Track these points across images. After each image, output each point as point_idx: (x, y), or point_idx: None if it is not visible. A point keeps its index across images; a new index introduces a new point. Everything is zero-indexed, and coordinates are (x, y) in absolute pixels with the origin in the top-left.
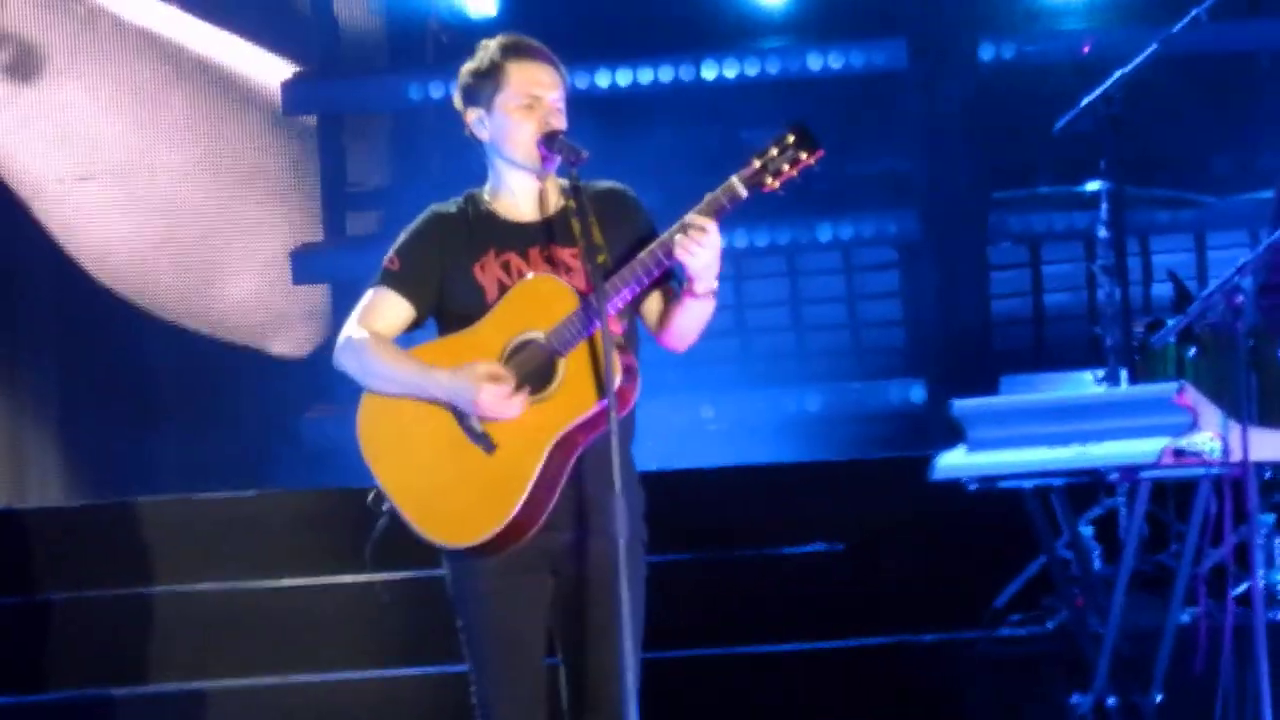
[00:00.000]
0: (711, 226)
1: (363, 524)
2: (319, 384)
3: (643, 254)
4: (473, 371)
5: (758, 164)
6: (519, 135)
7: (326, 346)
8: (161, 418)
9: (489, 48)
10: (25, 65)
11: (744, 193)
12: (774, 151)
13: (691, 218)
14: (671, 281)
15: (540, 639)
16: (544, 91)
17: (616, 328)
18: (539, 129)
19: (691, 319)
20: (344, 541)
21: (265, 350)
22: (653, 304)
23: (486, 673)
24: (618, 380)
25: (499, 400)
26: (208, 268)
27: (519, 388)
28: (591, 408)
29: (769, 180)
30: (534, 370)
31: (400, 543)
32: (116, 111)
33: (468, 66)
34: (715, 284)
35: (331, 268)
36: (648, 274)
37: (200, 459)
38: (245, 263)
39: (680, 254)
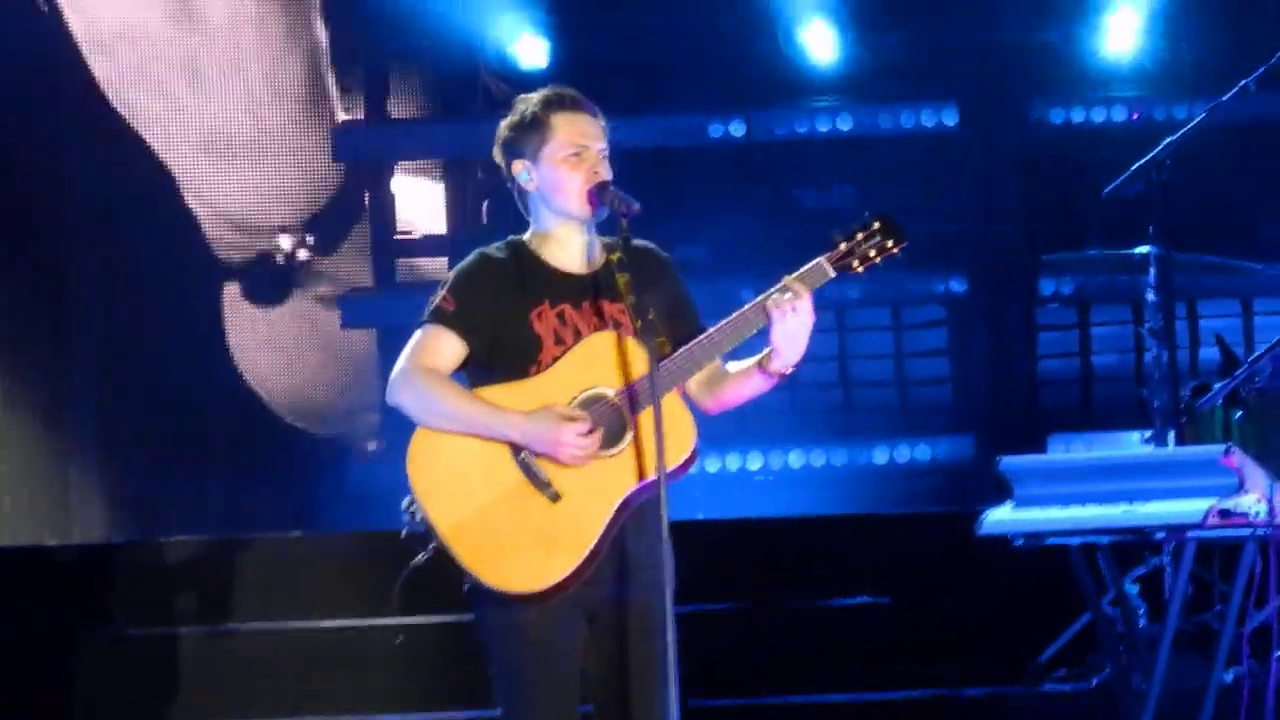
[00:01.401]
0: (807, 295)
1: (399, 566)
2: (362, 429)
3: (724, 323)
4: (552, 413)
5: (844, 248)
6: (569, 186)
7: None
8: (206, 459)
9: (531, 101)
10: None
11: (832, 274)
12: (860, 236)
13: (789, 282)
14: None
15: (576, 684)
16: (590, 142)
17: (679, 390)
18: (587, 179)
19: (748, 393)
20: (383, 584)
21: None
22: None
23: (522, 717)
24: (692, 444)
25: (580, 441)
26: None
27: (594, 436)
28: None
29: (855, 264)
30: (605, 425)
31: (431, 586)
32: None
33: (509, 120)
34: (794, 365)
35: (380, 314)
36: (729, 341)
37: (244, 501)
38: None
39: (775, 314)
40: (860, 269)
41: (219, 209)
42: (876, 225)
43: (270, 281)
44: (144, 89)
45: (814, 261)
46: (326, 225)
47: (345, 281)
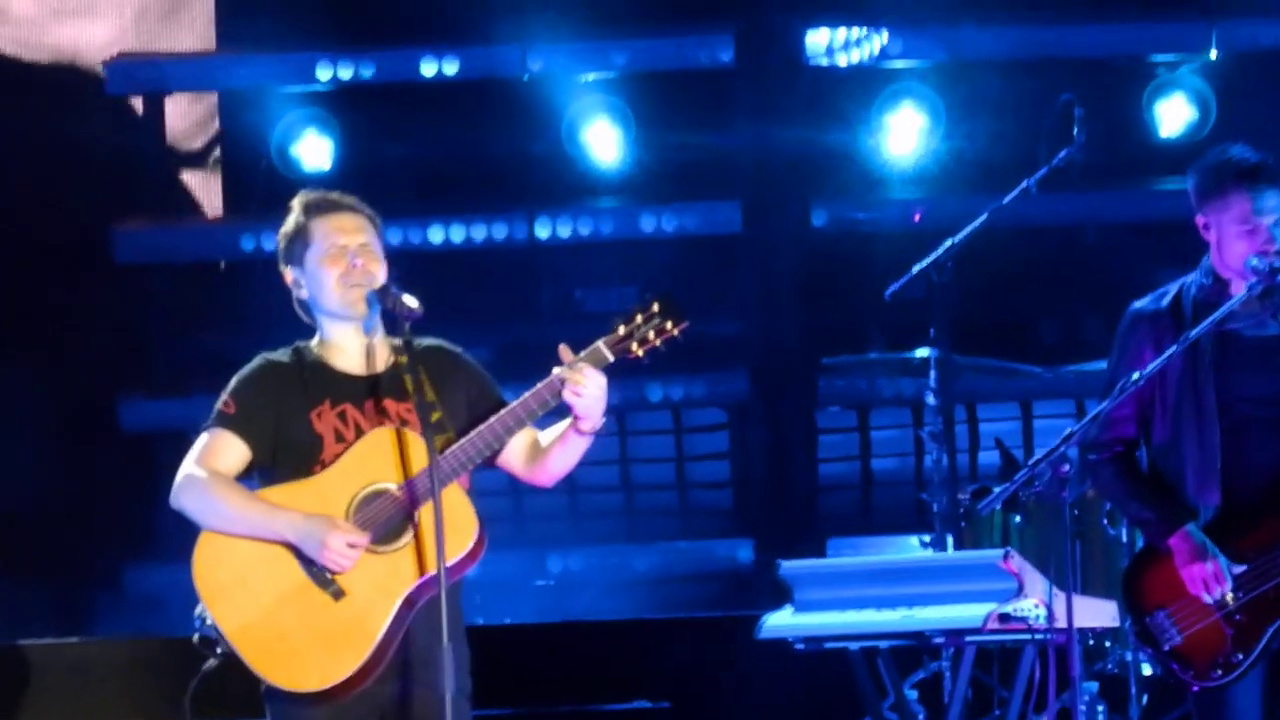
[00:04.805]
0: (591, 370)
1: (188, 672)
2: (140, 533)
3: (506, 411)
4: (326, 520)
5: (623, 330)
6: (328, 283)
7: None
8: None
9: (294, 209)
10: None
11: (610, 357)
12: (639, 319)
13: (565, 370)
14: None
15: None
16: (348, 239)
17: (464, 482)
18: (345, 273)
19: (573, 455)
20: (169, 689)
21: None
22: (517, 446)
23: None
24: (473, 537)
25: (344, 550)
26: None
27: (373, 537)
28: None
29: (634, 347)
30: (386, 521)
31: (223, 691)
32: None
33: (281, 230)
34: (601, 422)
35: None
36: (508, 431)
37: (21, 606)
38: None
39: (569, 397)
40: (640, 352)
41: None
42: (656, 307)
43: None
44: None
45: (592, 346)
46: None
47: None
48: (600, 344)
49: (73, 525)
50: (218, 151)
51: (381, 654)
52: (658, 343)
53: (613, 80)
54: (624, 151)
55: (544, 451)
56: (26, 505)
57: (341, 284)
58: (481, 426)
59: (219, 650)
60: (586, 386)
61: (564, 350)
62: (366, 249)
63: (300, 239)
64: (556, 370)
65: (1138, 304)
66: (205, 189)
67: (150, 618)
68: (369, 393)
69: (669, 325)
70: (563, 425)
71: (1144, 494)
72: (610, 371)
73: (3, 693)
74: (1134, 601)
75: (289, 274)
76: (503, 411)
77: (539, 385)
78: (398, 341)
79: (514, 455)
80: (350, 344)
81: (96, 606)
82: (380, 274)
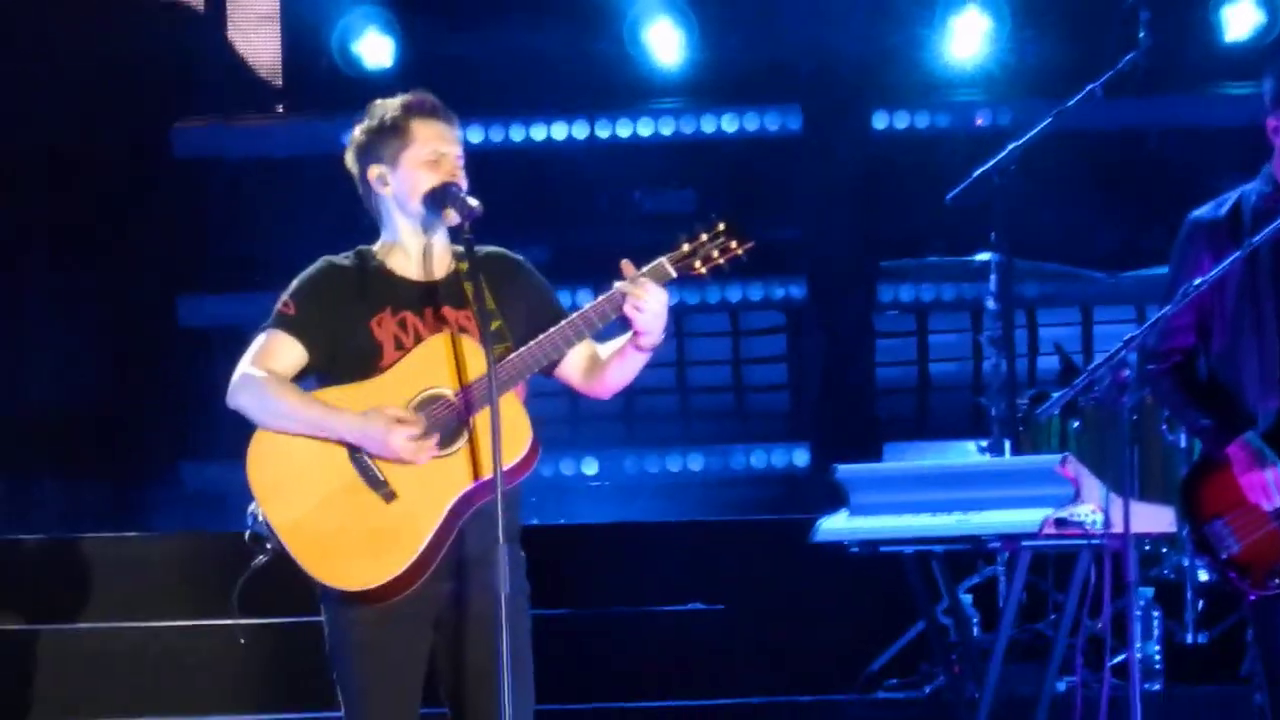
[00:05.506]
0: (653, 285)
1: (240, 568)
2: (198, 430)
3: (566, 322)
4: (383, 414)
5: (687, 248)
6: (423, 187)
7: (203, 395)
8: (41, 461)
9: (390, 106)
10: None
11: (673, 274)
12: (704, 237)
13: (626, 285)
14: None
15: (417, 691)
16: (448, 148)
17: (520, 390)
18: (447, 182)
19: (631, 370)
20: (219, 585)
21: None
22: (576, 358)
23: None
24: (527, 445)
25: (409, 443)
26: None
27: (427, 437)
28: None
29: (697, 265)
30: (441, 426)
31: (271, 588)
32: None
33: (364, 125)
34: (661, 339)
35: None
36: (567, 343)
37: (81, 503)
38: None
39: (630, 312)
40: (703, 270)
41: None
42: (721, 227)
43: None
44: None
45: (655, 261)
46: None
47: None
48: (663, 260)
49: (131, 422)
50: (279, 49)
51: (429, 557)
52: (721, 261)
53: None
54: (685, 53)
55: (602, 365)
56: (86, 403)
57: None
58: (540, 337)
59: (269, 547)
60: (647, 302)
61: (626, 265)
62: (460, 165)
63: (398, 138)
64: (618, 284)
65: (1196, 212)
66: (266, 87)
67: (207, 515)
68: (429, 299)
69: (734, 244)
70: (622, 340)
71: (1202, 402)
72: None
73: (60, 584)
74: (1192, 510)
75: (374, 170)
76: (562, 323)
77: (600, 298)
78: (459, 248)
79: (572, 367)
80: (420, 248)
81: (154, 503)
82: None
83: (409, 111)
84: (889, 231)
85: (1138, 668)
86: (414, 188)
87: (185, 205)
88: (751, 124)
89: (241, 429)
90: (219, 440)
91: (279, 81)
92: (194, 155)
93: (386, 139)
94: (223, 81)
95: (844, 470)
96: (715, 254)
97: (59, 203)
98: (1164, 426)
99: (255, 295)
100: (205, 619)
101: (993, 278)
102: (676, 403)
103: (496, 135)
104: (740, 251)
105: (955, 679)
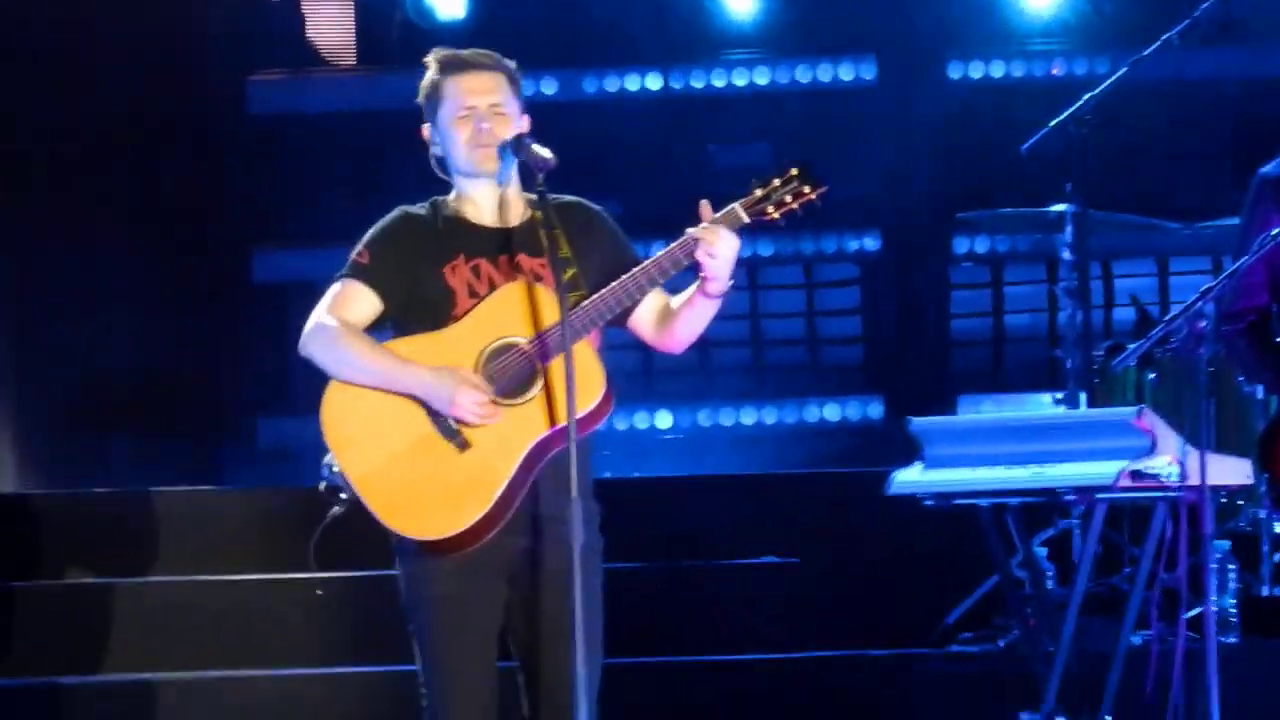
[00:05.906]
0: (725, 231)
1: (315, 522)
2: (273, 385)
3: (638, 269)
4: (454, 374)
5: (760, 193)
6: (459, 145)
7: (278, 351)
8: (117, 418)
9: (430, 65)
10: None
11: (745, 219)
12: (776, 183)
13: (699, 230)
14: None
15: (493, 644)
16: (477, 99)
17: (595, 340)
18: (473, 137)
19: (700, 320)
20: (294, 539)
21: None
22: (648, 309)
23: (438, 676)
24: (600, 393)
25: (475, 408)
26: None
27: (499, 390)
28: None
29: (770, 210)
30: (514, 375)
31: (347, 541)
32: None
33: (421, 85)
34: (729, 285)
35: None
36: (640, 289)
37: (157, 458)
38: None
39: (701, 257)
40: (776, 214)
41: None
42: (794, 172)
43: None
44: None
45: (728, 207)
46: None
47: None
48: (736, 205)
49: (207, 378)
50: (352, 2)
51: (504, 506)
52: (795, 206)
53: None
54: (759, 3)
55: (673, 315)
56: (162, 360)
57: (469, 146)
58: (614, 283)
59: (344, 497)
60: (719, 247)
61: (704, 206)
62: (497, 109)
63: (434, 97)
64: (690, 230)
65: (1265, 169)
66: (338, 39)
67: (282, 469)
68: (503, 247)
69: (807, 190)
70: (692, 289)
71: (1277, 361)
72: (741, 230)
73: (134, 538)
74: (1269, 465)
75: (425, 130)
76: (635, 269)
77: (672, 245)
78: (533, 196)
79: (644, 318)
80: (485, 199)
81: (230, 458)
82: (509, 134)
83: (441, 70)
84: (964, 182)
85: (1213, 621)
86: (451, 144)
87: (259, 160)
88: (826, 75)
89: (315, 383)
90: (294, 395)
91: (352, 35)
92: (268, 110)
93: (429, 100)
94: (297, 35)
95: (918, 423)
96: (788, 198)
97: (136, 160)
98: (1240, 378)
99: (330, 250)
100: (281, 573)
101: (1068, 229)
102: (750, 355)
103: (569, 87)
104: (814, 196)
105: (1029, 633)
